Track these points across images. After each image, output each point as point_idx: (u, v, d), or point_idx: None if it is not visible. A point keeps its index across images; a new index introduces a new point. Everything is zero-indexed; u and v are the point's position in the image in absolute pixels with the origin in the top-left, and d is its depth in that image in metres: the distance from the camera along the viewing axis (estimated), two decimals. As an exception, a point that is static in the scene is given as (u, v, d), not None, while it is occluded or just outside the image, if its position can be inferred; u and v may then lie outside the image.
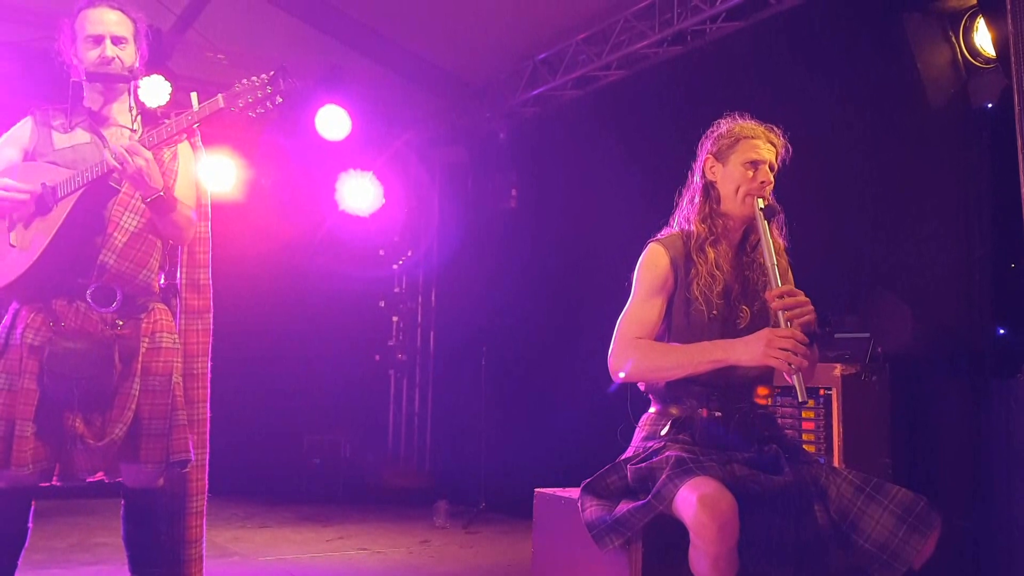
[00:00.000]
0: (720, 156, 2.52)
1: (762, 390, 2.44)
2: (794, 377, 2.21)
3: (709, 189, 2.53)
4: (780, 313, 2.27)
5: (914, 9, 4.14)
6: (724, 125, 2.56)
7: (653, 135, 5.32)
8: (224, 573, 4.35)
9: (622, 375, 2.41)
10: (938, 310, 4.15)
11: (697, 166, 2.58)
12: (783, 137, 2.55)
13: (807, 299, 2.30)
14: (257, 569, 4.52)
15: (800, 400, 2.20)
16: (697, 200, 2.54)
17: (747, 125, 2.53)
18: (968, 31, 4.13)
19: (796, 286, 2.40)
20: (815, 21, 4.70)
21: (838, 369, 3.68)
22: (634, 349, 2.39)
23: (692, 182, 2.59)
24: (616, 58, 5.69)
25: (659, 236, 2.56)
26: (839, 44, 4.59)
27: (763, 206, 2.41)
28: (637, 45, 5.51)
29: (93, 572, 4.26)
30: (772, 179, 2.49)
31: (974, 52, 4.11)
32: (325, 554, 4.96)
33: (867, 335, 3.91)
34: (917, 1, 4.18)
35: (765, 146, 2.49)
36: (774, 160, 2.51)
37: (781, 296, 2.28)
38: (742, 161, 2.47)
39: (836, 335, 3.96)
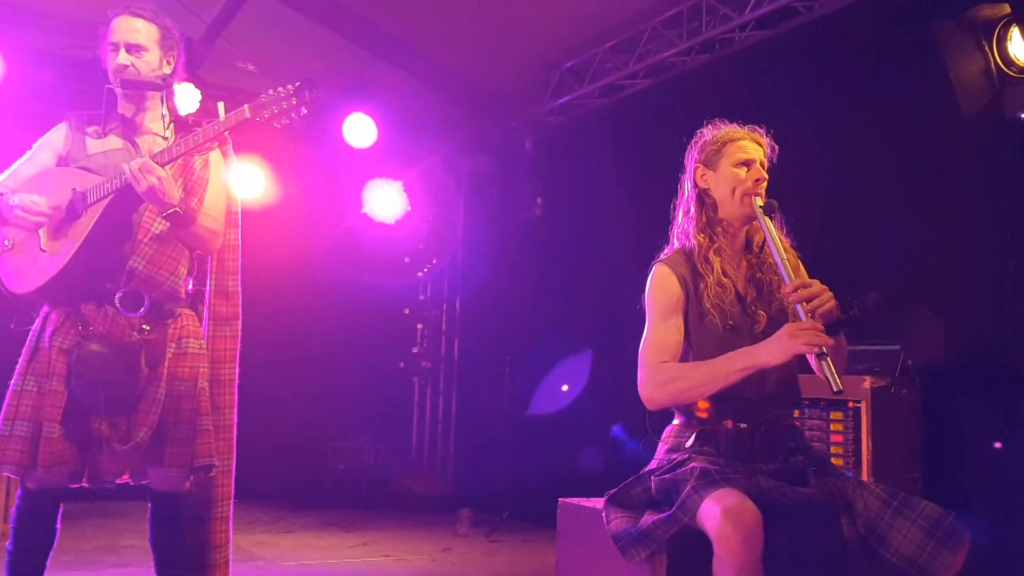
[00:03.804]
0: (709, 163, 2.52)
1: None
2: (824, 367, 2.16)
3: (703, 197, 2.53)
4: (799, 307, 2.24)
5: (946, 18, 4.10)
6: (707, 132, 2.57)
7: (680, 144, 5.28)
8: (249, 577, 4.38)
9: (655, 402, 2.38)
10: (970, 323, 4.10)
11: (687, 177, 2.58)
12: (768, 136, 2.55)
13: (824, 287, 2.26)
14: (282, 573, 4.54)
15: (834, 389, 2.13)
16: (692, 211, 2.53)
17: (730, 129, 2.54)
18: (1002, 40, 4.08)
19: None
20: (845, 30, 4.66)
21: (868, 382, 3.63)
22: (661, 373, 2.36)
23: (684, 194, 2.59)
24: (643, 67, 5.68)
25: (661, 257, 2.54)
26: (870, 53, 4.55)
27: (762, 204, 2.40)
28: (664, 54, 5.50)
29: (120, 574, 4.30)
30: (765, 176, 2.49)
31: (1007, 61, 4.07)
32: (348, 560, 4.97)
33: (897, 347, 3.87)
34: (950, 10, 4.14)
35: (752, 145, 2.50)
36: (763, 158, 2.51)
37: (796, 290, 2.24)
38: (732, 163, 2.48)
39: (865, 347, 3.92)
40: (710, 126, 2.58)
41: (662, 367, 2.37)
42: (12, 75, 5.38)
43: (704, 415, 2.38)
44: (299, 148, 6.84)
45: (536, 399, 6.47)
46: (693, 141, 2.60)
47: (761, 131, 2.55)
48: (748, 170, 2.47)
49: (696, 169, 2.54)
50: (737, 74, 5.23)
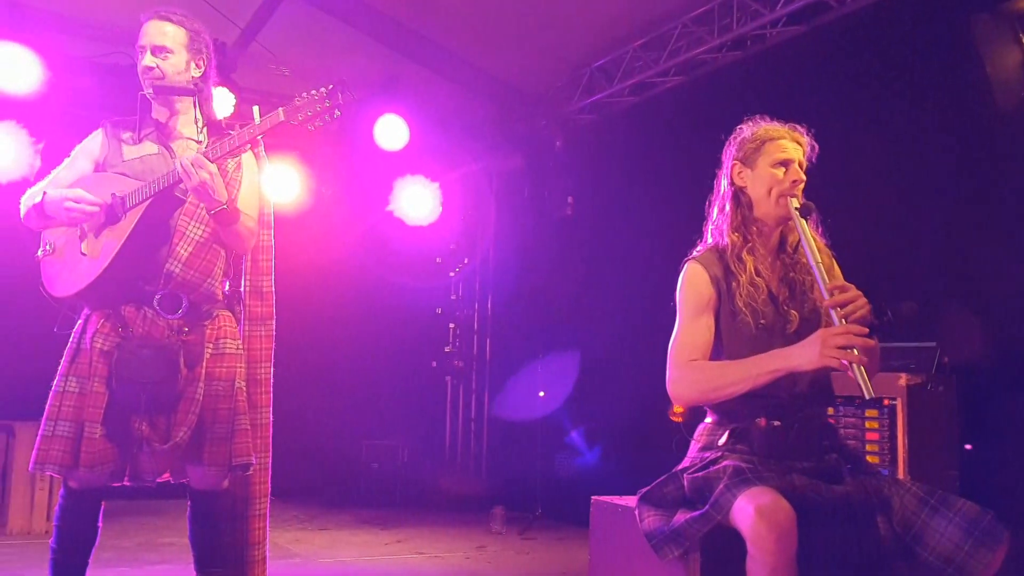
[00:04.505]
0: (747, 161, 2.48)
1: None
2: (856, 374, 2.13)
3: (739, 195, 2.50)
4: (833, 311, 2.21)
5: (982, 10, 4.04)
6: (747, 129, 2.53)
7: (711, 141, 5.25)
8: (286, 574, 4.42)
9: (683, 400, 2.37)
10: (1007, 319, 4.04)
11: (724, 173, 2.55)
12: (808, 135, 2.51)
13: (859, 292, 2.23)
14: (318, 570, 4.58)
15: (867, 396, 2.11)
16: (728, 209, 2.49)
17: (770, 127, 2.49)
18: (1039, 32, 4.02)
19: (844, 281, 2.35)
20: (878, 24, 4.61)
21: (903, 379, 3.60)
22: (690, 372, 2.35)
23: (720, 191, 2.56)
24: (674, 64, 5.66)
25: (694, 254, 2.52)
26: (904, 47, 4.50)
27: (798, 205, 2.37)
28: (695, 51, 5.47)
29: (160, 571, 4.37)
30: (803, 177, 2.45)
31: (1045, 54, 4.00)
32: (383, 557, 5.01)
33: (933, 344, 3.83)
34: (985, 2, 4.08)
35: (792, 145, 2.46)
36: (802, 158, 2.47)
37: (831, 293, 2.21)
38: (771, 162, 2.44)
39: (901, 345, 3.88)
40: (749, 123, 2.54)
41: (692, 365, 2.36)
42: (52, 81, 5.47)
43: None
44: (331, 150, 6.90)
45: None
46: (732, 137, 2.56)
47: (802, 130, 2.50)
48: (786, 171, 2.43)
49: (733, 166, 2.51)
50: (768, 71, 5.19)
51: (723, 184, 2.55)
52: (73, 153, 2.86)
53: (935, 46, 4.33)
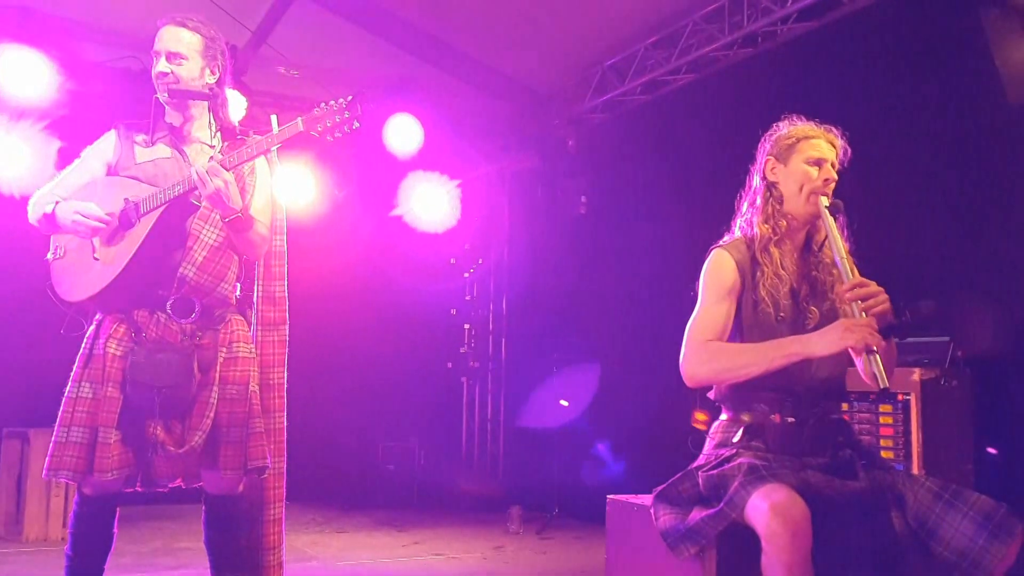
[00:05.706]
0: (781, 157, 2.52)
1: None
2: (873, 363, 2.14)
3: (771, 190, 2.52)
4: (854, 305, 2.23)
5: (992, 4, 4.01)
6: (783, 127, 2.57)
7: (724, 138, 5.25)
8: (303, 577, 4.45)
9: (696, 378, 2.39)
10: (1020, 313, 4.01)
11: (756, 168, 2.58)
12: (842, 138, 2.54)
13: (880, 289, 2.25)
14: (335, 573, 4.60)
15: (881, 386, 2.13)
16: (759, 202, 2.53)
17: (806, 126, 2.53)
18: (1050, 25, 3.98)
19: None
20: (889, 19, 4.59)
21: (917, 373, 3.58)
22: (706, 351, 2.37)
23: (751, 185, 2.59)
24: (685, 62, 5.65)
25: (721, 243, 2.55)
26: (914, 42, 4.48)
27: (828, 204, 2.40)
28: (706, 48, 5.46)
29: None
30: (835, 177, 2.48)
31: (1056, 47, 3.97)
32: (401, 559, 5.02)
33: (947, 339, 3.81)
34: (995, -4, 4.06)
35: (826, 146, 2.50)
36: (835, 159, 2.50)
37: (853, 288, 2.24)
38: (804, 160, 2.48)
39: (914, 339, 3.86)
40: (786, 120, 2.59)
41: (707, 345, 2.38)
42: (65, 87, 5.50)
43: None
44: (345, 152, 6.91)
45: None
46: (767, 134, 2.60)
47: (836, 132, 2.55)
48: (819, 169, 2.47)
49: (767, 162, 2.55)
50: (780, 67, 5.18)
51: (755, 179, 2.58)
52: (83, 154, 2.85)
53: (945, 40, 4.31)
